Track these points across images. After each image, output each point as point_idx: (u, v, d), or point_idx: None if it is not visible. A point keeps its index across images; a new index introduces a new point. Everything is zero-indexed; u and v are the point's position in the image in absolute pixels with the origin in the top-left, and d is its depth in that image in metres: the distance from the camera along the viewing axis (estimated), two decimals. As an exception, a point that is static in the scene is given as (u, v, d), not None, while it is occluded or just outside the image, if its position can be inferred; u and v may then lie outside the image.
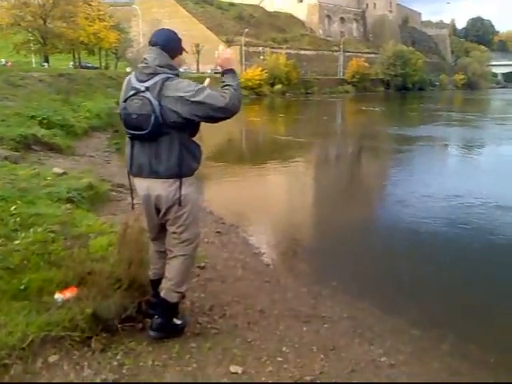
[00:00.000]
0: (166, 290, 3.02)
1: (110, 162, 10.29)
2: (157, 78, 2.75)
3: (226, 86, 2.83)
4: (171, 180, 2.83)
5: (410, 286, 4.58)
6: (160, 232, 3.12)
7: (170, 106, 2.72)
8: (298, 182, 10.38)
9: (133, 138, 2.90)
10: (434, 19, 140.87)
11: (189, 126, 2.84)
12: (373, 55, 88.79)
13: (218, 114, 2.78)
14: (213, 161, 12.57)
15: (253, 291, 3.94)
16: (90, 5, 50.95)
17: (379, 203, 8.59)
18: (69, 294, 3.15)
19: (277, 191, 9.56)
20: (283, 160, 12.75)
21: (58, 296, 3.12)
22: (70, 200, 5.40)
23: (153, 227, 3.14)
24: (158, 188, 2.85)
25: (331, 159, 14.72)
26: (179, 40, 2.96)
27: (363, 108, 39.36)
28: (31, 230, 4.04)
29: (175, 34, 2.96)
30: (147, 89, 2.74)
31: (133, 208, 3.39)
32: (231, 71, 2.91)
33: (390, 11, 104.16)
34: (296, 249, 5.50)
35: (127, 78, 2.96)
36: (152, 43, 2.87)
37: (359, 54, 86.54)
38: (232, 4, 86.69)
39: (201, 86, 2.81)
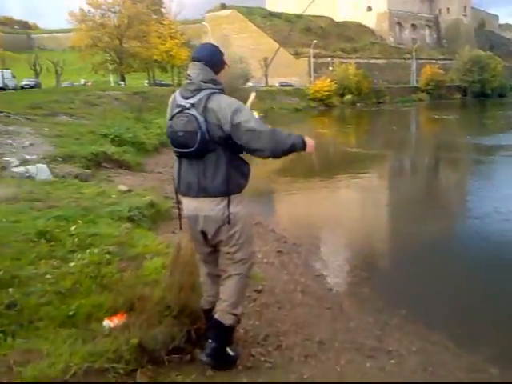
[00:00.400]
0: (221, 312, 2.85)
1: (177, 178, 10.35)
2: (202, 94, 2.68)
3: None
4: (219, 198, 2.73)
5: (491, 316, 4.10)
6: (211, 254, 3.00)
7: (220, 121, 2.63)
8: (369, 197, 9.95)
9: (180, 155, 2.81)
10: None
11: (236, 143, 2.70)
12: (447, 61, 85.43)
13: (253, 141, 2.65)
14: (278, 175, 12.42)
15: (312, 319, 3.66)
16: (162, 24, 52.96)
17: (458, 220, 8.02)
18: (117, 320, 3.04)
19: (345, 207, 9.18)
20: (353, 173, 12.33)
21: (106, 323, 3.02)
22: (130, 219, 5.38)
23: (202, 249, 3.03)
24: (207, 208, 2.75)
25: (405, 172, 14.08)
26: (222, 54, 2.87)
27: (438, 116, 37.69)
28: (88, 251, 4.01)
29: (217, 48, 2.88)
30: (192, 105, 2.66)
31: (181, 228, 3.21)
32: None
33: (465, 15, 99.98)
34: (363, 271, 5.13)
35: (173, 95, 2.88)
36: (195, 59, 2.79)
37: (433, 61, 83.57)
38: (299, 16, 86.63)
39: (248, 109, 2.77)
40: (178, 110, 2.72)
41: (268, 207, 8.26)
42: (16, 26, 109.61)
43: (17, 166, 8.25)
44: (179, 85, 56.09)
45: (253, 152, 2.71)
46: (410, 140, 23.00)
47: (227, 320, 2.84)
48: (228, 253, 2.85)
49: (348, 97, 60.69)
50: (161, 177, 10.47)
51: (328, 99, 57.35)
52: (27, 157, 8.85)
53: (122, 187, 6.96)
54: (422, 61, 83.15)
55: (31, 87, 39.59)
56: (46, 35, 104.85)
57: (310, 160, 17.03)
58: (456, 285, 4.81)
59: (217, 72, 2.80)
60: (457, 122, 32.52)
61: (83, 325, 2.98)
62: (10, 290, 3.22)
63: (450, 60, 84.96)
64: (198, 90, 2.69)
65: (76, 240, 4.21)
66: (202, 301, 3.10)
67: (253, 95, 3.08)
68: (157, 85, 51.70)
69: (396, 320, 3.85)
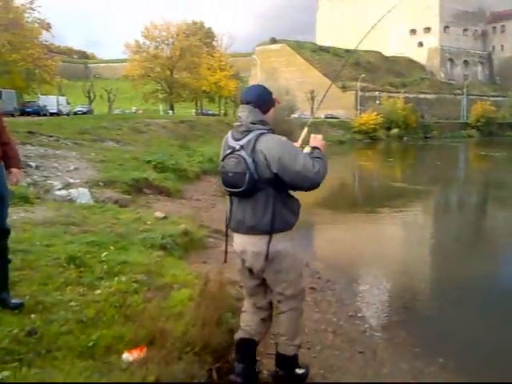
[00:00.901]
0: (282, 345, 3.02)
1: (215, 207, 10.35)
2: (251, 136, 2.78)
3: (317, 158, 2.84)
4: (266, 235, 2.80)
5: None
6: (257, 287, 3.04)
7: (269, 162, 2.72)
8: (411, 235, 9.57)
9: (231, 194, 2.90)
10: None
11: (285, 185, 2.81)
12: (500, 98, 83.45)
13: (305, 180, 2.75)
14: (319, 207, 12.20)
15: (342, 363, 3.43)
16: (212, 56, 54.44)
17: (503, 262, 7.56)
18: (137, 354, 2.92)
19: (386, 244, 8.83)
20: (396, 209, 11.97)
21: (125, 356, 2.91)
22: (162, 246, 5.32)
23: (248, 282, 3.07)
24: (254, 244, 2.84)
25: (449, 209, 13.54)
26: (270, 94, 2.95)
27: (488, 153, 36.60)
28: (116, 278, 3.95)
29: (265, 88, 2.98)
30: (242, 147, 2.77)
31: (225, 261, 3.24)
32: (320, 149, 2.93)
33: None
34: (401, 314, 4.83)
35: (225, 136, 2.97)
36: (244, 101, 2.89)
37: (484, 97, 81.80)
38: (348, 50, 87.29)
39: (295, 149, 2.83)
40: (229, 151, 2.83)
41: (305, 240, 8.04)
42: (75, 56, 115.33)
43: (60, 189, 8.44)
44: (225, 115, 57.23)
45: (299, 190, 2.83)
46: (460, 177, 22.26)
47: (289, 352, 2.99)
48: (279, 292, 2.93)
49: (394, 130, 60.10)
50: (199, 204, 10.48)
51: (373, 132, 56.96)
52: (71, 180, 9.05)
53: (159, 214, 6.95)
54: (473, 97, 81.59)
55: (84, 113, 41.19)
56: (102, 65, 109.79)
57: (353, 193, 16.81)
58: (499, 331, 4.45)
59: (265, 112, 2.89)
60: (506, 160, 31.39)
61: (102, 357, 2.88)
62: (33, 316, 3.17)
63: (503, 97, 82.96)
64: (248, 132, 2.80)
65: (105, 267, 4.17)
66: (239, 330, 3.09)
67: (305, 130, 3.13)
68: (203, 114, 52.86)
69: (433, 368, 3.56)
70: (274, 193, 2.80)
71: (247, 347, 3.01)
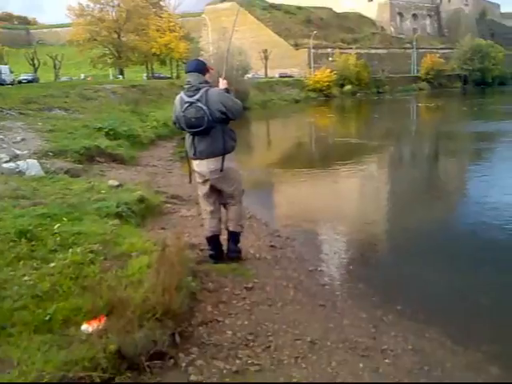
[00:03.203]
0: (233, 226, 4.52)
1: (172, 171, 10.19)
2: (201, 92, 4.12)
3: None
4: (220, 157, 4.20)
5: (491, 310, 3.93)
6: (212, 194, 4.44)
7: (216, 107, 4.10)
8: (366, 189, 9.73)
9: (193, 134, 4.22)
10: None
11: (227, 120, 4.25)
12: (448, 51, 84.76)
13: (237, 112, 4.26)
14: (276, 166, 12.24)
15: (304, 317, 3.49)
16: (160, 17, 52.67)
17: (455, 209, 7.83)
18: (96, 325, 2.87)
19: (342, 199, 8.97)
20: (352, 164, 12.11)
21: (84, 327, 2.85)
22: (118, 215, 5.20)
23: (207, 191, 4.41)
24: (211, 164, 4.23)
25: (402, 162, 13.84)
26: (204, 64, 4.39)
27: (438, 105, 37.76)
28: (70, 250, 3.84)
29: (200, 60, 4.56)
30: (198, 100, 4.10)
31: (190, 182, 4.80)
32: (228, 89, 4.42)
33: (466, 5, 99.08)
34: (358, 265, 4.93)
35: (177, 96, 4.33)
36: (189, 70, 4.29)
37: (433, 51, 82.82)
38: (299, 8, 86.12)
39: (228, 94, 4.30)
40: (187, 104, 4.13)
41: (263, 200, 8.05)
42: (15, 22, 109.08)
43: (7, 161, 8.08)
44: (178, 77, 55.76)
45: (235, 118, 4.26)
46: (407, 129, 22.82)
47: (237, 229, 4.56)
48: (228, 192, 4.42)
49: (348, 87, 60.28)
50: (155, 170, 10.29)
51: (328, 90, 56.99)
52: (18, 152, 8.67)
53: (112, 182, 6.77)
54: (423, 50, 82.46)
55: (29, 82, 39.30)
56: (45, 30, 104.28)
57: (309, 150, 16.90)
58: (454, 278, 4.62)
59: (204, 75, 4.27)
60: (459, 110, 32.43)
61: (60, 330, 2.82)
62: (-16, 293, 3.05)
63: (451, 49, 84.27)
64: (198, 89, 4.14)
65: (58, 239, 4.03)
66: (206, 231, 4.56)
67: (224, 82, 4.41)
68: (155, 78, 51.41)
69: (391, 316, 3.67)
70: (222, 128, 4.22)
71: (214, 240, 4.52)
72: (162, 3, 58.75)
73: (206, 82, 4.21)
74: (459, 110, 32.86)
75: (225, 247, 4.63)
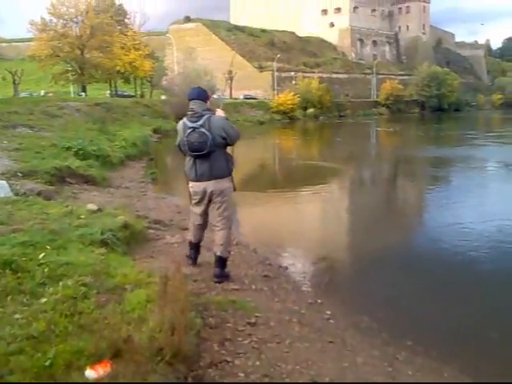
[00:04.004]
0: (221, 251, 4.68)
1: (146, 194, 9.89)
2: (204, 118, 4.46)
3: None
4: (220, 179, 4.58)
5: (497, 340, 3.87)
6: (204, 213, 4.80)
7: (218, 132, 4.46)
8: (337, 210, 9.78)
9: (195, 157, 4.53)
10: (468, 40, 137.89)
11: (226, 145, 4.62)
12: (406, 77, 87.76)
13: (235, 138, 4.63)
14: (246, 189, 12.08)
15: (316, 356, 3.31)
16: (125, 35, 52.10)
17: (416, 227, 7.95)
18: (101, 370, 2.61)
19: (315, 221, 9.00)
20: (319, 186, 12.26)
21: (88, 373, 2.59)
22: (104, 242, 4.91)
23: (200, 209, 4.76)
24: (211, 185, 4.57)
25: (363, 184, 14.08)
26: (206, 91, 4.73)
27: (395, 129, 39.05)
28: (60, 283, 3.56)
29: (202, 88, 4.80)
30: (201, 126, 4.44)
31: (191, 203, 4.89)
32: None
33: (424, 33, 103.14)
34: (357, 295, 4.83)
35: (180, 122, 4.68)
36: (192, 98, 4.58)
37: (392, 76, 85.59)
38: (263, 30, 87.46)
39: (228, 121, 4.69)
40: (190, 130, 4.48)
41: (241, 223, 7.89)
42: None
43: (-27, 182, 7.62)
44: (142, 96, 55.24)
45: (233, 143, 4.65)
46: (367, 152, 23.49)
47: (225, 254, 4.74)
48: (219, 212, 4.65)
49: (311, 110, 61.26)
50: (129, 192, 9.95)
51: (291, 112, 57.78)
52: (-15, 172, 8.22)
53: (91, 206, 6.44)
54: (382, 76, 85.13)
55: (-13, 97, 37.94)
56: (4, 44, 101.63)
57: (275, 172, 16.94)
58: (451, 307, 4.58)
59: (206, 102, 4.63)
60: (418, 136, 33.52)
61: (63, 376, 2.55)
62: (-27, 335, 2.75)
63: (409, 76, 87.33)
64: (201, 116, 4.47)
65: (46, 270, 3.74)
66: (191, 238, 5.01)
67: (220, 111, 4.73)
68: (118, 96, 50.67)
69: (405, 353, 3.55)
70: (222, 152, 4.59)
71: (196, 246, 5.02)
72: (127, 21, 58.24)
73: (209, 110, 4.56)
74: (417, 135, 34.01)
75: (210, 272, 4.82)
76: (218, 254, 4.65)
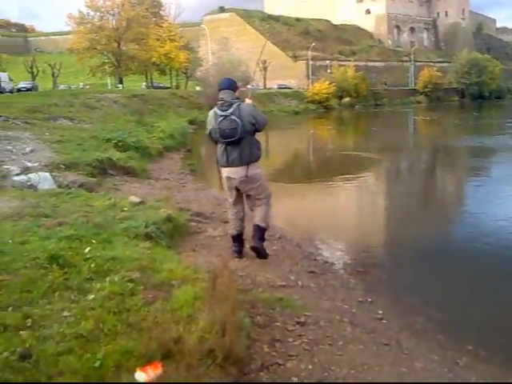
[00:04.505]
0: (258, 220, 4.93)
1: (186, 185, 9.86)
2: (234, 106, 4.67)
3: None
4: (250, 165, 4.76)
5: None
6: (239, 199, 5.00)
7: (247, 119, 4.69)
8: (380, 204, 9.51)
9: (227, 144, 4.73)
10: (510, 25, 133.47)
11: (254, 131, 4.84)
12: (445, 64, 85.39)
13: (263, 124, 4.87)
14: (282, 180, 11.92)
15: (372, 360, 3.14)
16: (161, 26, 52.50)
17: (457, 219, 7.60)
18: (152, 372, 2.52)
19: (357, 214, 8.74)
20: (354, 177, 11.99)
21: (138, 375, 2.50)
22: (148, 236, 4.86)
23: (234, 196, 4.95)
24: (242, 170, 4.76)
25: (401, 174, 13.63)
26: (235, 82, 4.92)
27: (436, 118, 37.98)
28: (107, 278, 3.50)
29: (231, 79, 4.99)
30: (231, 113, 4.65)
31: (222, 188, 5.53)
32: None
33: (463, 18, 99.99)
34: (408, 292, 4.59)
35: (211, 111, 4.89)
36: (222, 88, 4.81)
37: (431, 64, 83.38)
38: (298, 19, 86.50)
39: (256, 108, 4.95)
40: (221, 118, 4.69)
41: (283, 216, 7.74)
42: (13, 29, 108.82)
43: (18, 174, 7.72)
44: (177, 87, 55.61)
45: (261, 129, 4.86)
46: (405, 142, 22.89)
47: (263, 224, 4.94)
48: (255, 196, 4.92)
49: (346, 99, 60.45)
50: (169, 184, 9.94)
51: (326, 101, 57.06)
52: (28, 164, 8.30)
53: (134, 198, 6.42)
54: (420, 63, 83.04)
55: (28, 90, 38.91)
56: (43, 38, 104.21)
57: (309, 163, 16.67)
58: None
59: (235, 92, 4.82)
60: (457, 124, 32.44)
61: (112, 378, 2.47)
62: (22, 333, 2.69)
63: (448, 63, 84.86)
64: (231, 105, 4.68)
65: (93, 265, 3.69)
66: (231, 230, 5.11)
67: (249, 96, 5.12)
68: (154, 87, 51.17)
69: (465, 358, 3.34)
70: (251, 138, 4.80)
71: (239, 238, 5.07)
72: (162, 13, 58.70)
73: (237, 98, 4.77)
74: (455, 124, 32.90)
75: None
76: (256, 222, 4.88)
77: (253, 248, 4.92)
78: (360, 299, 4.29)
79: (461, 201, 10.06)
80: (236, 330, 2.85)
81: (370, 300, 4.30)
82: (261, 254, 4.94)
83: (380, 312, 4.03)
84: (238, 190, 4.86)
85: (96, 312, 3.03)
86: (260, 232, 4.89)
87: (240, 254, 5.00)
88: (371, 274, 5.13)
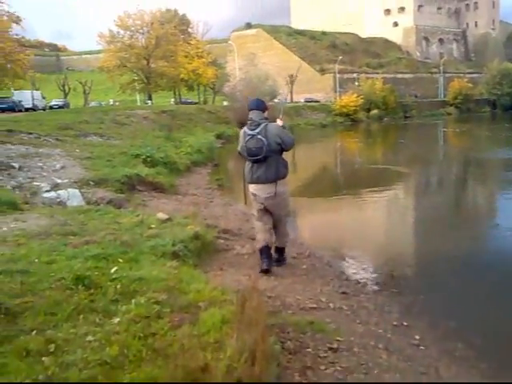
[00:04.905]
0: (278, 241, 5.33)
1: (213, 201, 9.80)
2: (261, 126, 4.92)
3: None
4: (274, 183, 4.99)
5: None
6: (265, 214, 5.16)
7: (273, 139, 4.90)
8: (410, 219, 9.24)
9: (253, 162, 4.98)
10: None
11: (281, 151, 5.05)
12: (476, 75, 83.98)
13: (290, 145, 5.07)
14: (310, 195, 11.74)
15: (409, 390, 2.96)
16: (189, 43, 53.29)
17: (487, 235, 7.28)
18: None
19: (387, 230, 8.46)
20: (382, 191, 11.71)
21: (164, 405, 2.39)
22: (175, 254, 4.78)
23: (260, 211, 5.15)
24: (266, 188, 5.00)
25: (430, 188, 13.27)
26: (264, 102, 5.20)
27: (465, 130, 37.27)
28: (133, 300, 3.41)
29: (260, 99, 5.27)
30: (258, 133, 4.89)
31: (246, 203, 5.79)
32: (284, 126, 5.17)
33: (493, 29, 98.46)
34: (445, 316, 4.35)
35: (242, 130, 5.16)
36: (251, 108, 5.05)
37: (461, 75, 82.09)
38: (324, 33, 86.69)
39: (283, 129, 5.10)
40: (249, 137, 4.96)
41: (311, 232, 7.58)
42: (46, 49, 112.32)
43: (48, 191, 7.81)
44: (205, 102, 56.21)
45: (288, 149, 5.09)
46: (435, 155, 22.40)
47: (282, 244, 5.40)
48: (277, 214, 5.17)
49: (374, 111, 59.94)
50: (196, 199, 9.90)
51: (354, 114, 56.74)
52: (58, 181, 8.40)
53: (161, 215, 6.37)
54: (450, 75, 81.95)
55: (60, 107, 39.90)
56: (75, 57, 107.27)
57: (336, 177, 16.43)
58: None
59: (264, 112, 5.08)
60: (488, 137, 31.67)
61: (136, 409, 2.36)
62: (45, 359, 2.62)
63: (479, 73, 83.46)
64: (258, 124, 4.94)
65: (118, 286, 3.61)
66: (258, 244, 5.21)
67: (281, 114, 5.25)
68: (183, 103, 51.79)
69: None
70: (277, 157, 5.00)
71: (267, 250, 5.13)
72: (190, 30, 59.65)
73: (266, 119, 5.02)
74: (488, 136, 32.07)
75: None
76: (276, 244, 5.31)
77: (275, 265, 5.26)
78: (395, 323, 4.08)
79: (493, 214, 9.69)
80: (266, 359, 2.71)
81: (405, 324, 4.08)
82: (282, 264, 5.38)
83: (417, 337, 3.80)
84: (263, 206, 5.06)
85: (121, 336, 2.93)
86: (280, 251, 5.40)
87: (268, 267, 5.03)
88: (405, 295, 4.90)
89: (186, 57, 51.22)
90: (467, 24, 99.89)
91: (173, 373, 2.58)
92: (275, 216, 5.14)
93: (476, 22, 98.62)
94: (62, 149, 11.37)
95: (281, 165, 5.01)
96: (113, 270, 3.93)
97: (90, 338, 2.91)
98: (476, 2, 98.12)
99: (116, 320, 3.15)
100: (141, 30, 49.97)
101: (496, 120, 53.58)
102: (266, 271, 4.98)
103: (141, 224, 5.82)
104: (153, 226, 5.81)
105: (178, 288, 3.83)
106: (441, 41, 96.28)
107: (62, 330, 2.96)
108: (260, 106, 5.06)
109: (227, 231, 6.60)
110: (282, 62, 71.59)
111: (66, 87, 50.50)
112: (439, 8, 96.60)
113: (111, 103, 55.38)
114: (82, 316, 3.18)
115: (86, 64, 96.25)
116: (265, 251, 5.09)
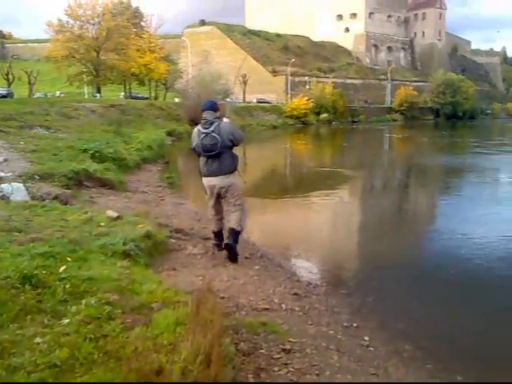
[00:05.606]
0: (234, 225, 5.54)
1: (164, 199, 9.65)
2: (214, 125, 5.40)
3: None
4: (227, 174, 5.49)
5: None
6: (218, 204, 5.68)
7: (226, 136, 5.40)
8: (361, 221, 9.48)
9: (208, 157, 5.45)
10: (484, 47, 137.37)
11: (232, 146, 5.54)
12: (421, 83, 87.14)
13: (240, 140, 5.61)
14: (260, 195, 11.81)
15: (360, 391, 3.02)
16: (141, 37, 52.25)
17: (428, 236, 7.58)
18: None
19: (333, 231, 8.68)
20: (330, 193, 12.03)
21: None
22: (126, 254, 4.67)
23: (214, 201, 5.64)
24: (220, 180, 5.49)
25: (374, 191, 13.66)
26: (216, 103, 5.76)
27: (411, 136, 38.79)
28: (83, 301, 3.30)
29: (212, 101, 5.98)
30: (212, 131, 5.36)
31: (206, 193, 5.76)
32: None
33: (439, 40, 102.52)
34: (393, 317, 4.48)
35: (195, 129, 5.63)
36: (205, 108, 5.54)
37: (407, 83, 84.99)
38: (278, 35, 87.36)
39: (235, 126, 5.85)
40: (204, 135, 5.41)
41: (262, 233, 7.63)
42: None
43: (-10, 184, 7.43)
44: (156, 98, 55.30)
45: (238, 144, 5.60)
46: (380, 159, 23.25)
47: (238, 227, 5.57)
48: (232, 202, 5.57)
49: (324, 115, 61.00)
50: (146, 197, 9.71)
51: (304, 117, 57.52)
52: (1, 174, 8.03)
53: (111, 213, 6.20)
54: (397, 82, 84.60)
55: (3, 96, 38.13)
56: (20, 45, 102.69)
57: (284, 177, 16.65)
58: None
59: (216, 112, 5.56)
60: (431, 143, 33.17)
61: (87, 415, 2.29)
62: (-10, 362, 2.49)
63: (424, 82, 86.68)
64: (212, 123, 5.41)
65: (68, 286, 3.49)
66: (213, 228, 5.85)
67: (227, 113, 6.24)
68: (133, 98, 50.71)
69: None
70: (229, 152, 5.52)
71: (219, 234, 5.78)
72: (143, 24, 58.49)
73: (218, 118, 5.52)
74: (431, 143, 33.52)
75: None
76: (231, 226, 5.54)
77: (226, 245, 5.50)
78: (345, 324, 4.17)
79: (434, 218, 10.12)
80: (221, 360, 2.70)
81: (355, 325, 4.17)
82: (232, 252, 5.48)
83: (366, 338, 3.90)
84: (218, 195, 5.56)
85: (71, 338, 2.83)
86: (234, 234, 5.53)
87: (220, 247, 5.69)
88: (354, 296, 5.01)
89: (138, 50, 50.13)
90: (415, 33, 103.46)
91: (126, 376, 2.52)
92: (231, 205, 5.58)
93: (423, 32, 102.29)
94: (4, 140, 10.87)
95: (232, 158, 5.55)
96: (61, 269, 3.79)
97: (38, 339, 2.79)
98: (424, 13, 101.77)
99: (65, 321, 3.04)
100: (92, 21, 48.41)
101: (438, 128, 55.91)
102: (218, 249, 5.68)
103: (89, 221, 5.65)
104: (102, 223, 5.65)
105: (130, 288, 3.74)
106: (389, 48, 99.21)
107: (8, 332, 2.83)
108: (213, 106, 5.60)
109: (179, 230, 6.51)
110: (235, 61, 71.41)
111: (10, 76, 48.25)
112: (389, 16, 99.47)
113: (58, 95, 53.47)
114: (29, 317, 3.05)
115: (32, 53, 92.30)
116: (218, 234, 5.79)
